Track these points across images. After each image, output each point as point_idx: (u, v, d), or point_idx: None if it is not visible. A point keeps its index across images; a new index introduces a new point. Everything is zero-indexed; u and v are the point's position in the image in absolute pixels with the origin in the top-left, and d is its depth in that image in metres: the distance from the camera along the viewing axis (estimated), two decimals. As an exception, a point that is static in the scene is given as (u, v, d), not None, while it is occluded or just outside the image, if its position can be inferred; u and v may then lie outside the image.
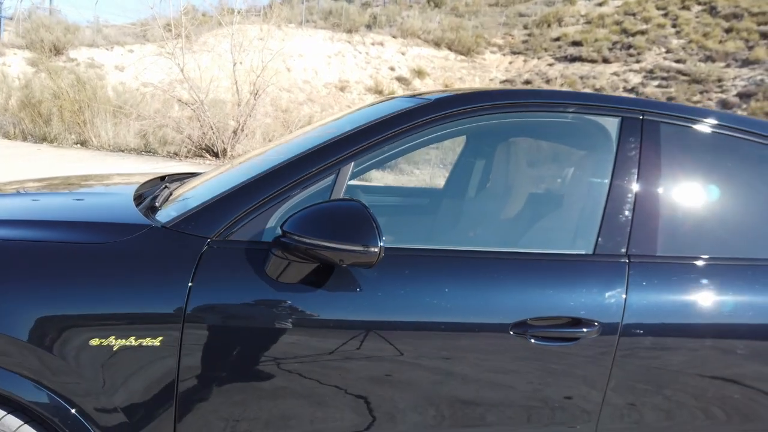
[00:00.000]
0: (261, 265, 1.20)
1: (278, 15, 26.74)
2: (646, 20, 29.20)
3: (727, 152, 1.53)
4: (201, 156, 8.93)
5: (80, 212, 1.46)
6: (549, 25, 31.21)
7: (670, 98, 23.26)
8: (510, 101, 1.47)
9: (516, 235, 1.54)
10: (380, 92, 26.04)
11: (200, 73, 10.00)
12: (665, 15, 29.33)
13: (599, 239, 1.36)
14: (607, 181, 1.42)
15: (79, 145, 9.34)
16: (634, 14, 30.12)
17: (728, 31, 26.51)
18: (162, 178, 1.94)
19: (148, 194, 1.67)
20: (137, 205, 1.51)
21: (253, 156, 1.92)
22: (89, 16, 34.10)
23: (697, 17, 28.60)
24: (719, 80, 23.42)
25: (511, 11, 33.73)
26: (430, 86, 27.74)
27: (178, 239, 1.22)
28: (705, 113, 1.61)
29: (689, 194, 1.49)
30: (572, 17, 31.50)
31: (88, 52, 20.48)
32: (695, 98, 22.87)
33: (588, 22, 30.66)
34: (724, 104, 21.89)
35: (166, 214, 1.37)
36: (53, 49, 19.31)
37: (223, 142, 8.87)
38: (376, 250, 1.12)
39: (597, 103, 1.54)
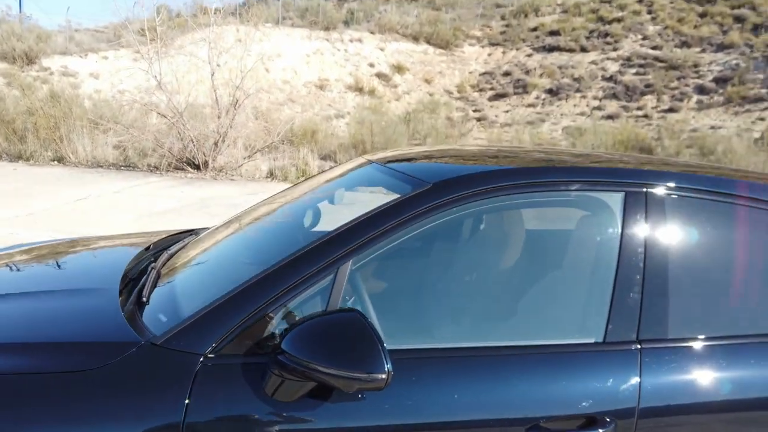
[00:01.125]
0: (259, 382, 1.14)
1: (256, 15, 26.50)
2: (622, 7, 29.36)
3: (738, 223, 1.45)
4: (182, 169, 8.81)
5: (63, 321, 1.37)
6: (526, 15, 31.25)
7: (647, 85, 23.46)
8: (510, 182, 1.39)
9: (522, 326, 1.43)
10: (361, 89, 25.94)
11: (177, 81, 9.86)
12: (640, 1, 29.49)
13: (609, 326, 1.30)
14: (613, 262, 1.35)
15: (56, 161, 9.17)
16: (609, 1, 30.25)
17: (702, 15, 26.75)
18: (147, 248, 1.85)
19: (134, 272, 1.60)
20: (123, 291, 1.45)
21: (242, 224, 1.83)
22: (61, 21, 33.49)
23: (671, 3, 28.81)
24: (695, 66, 23.66)
25: (487, 2, 33.69)
26: (410, 81, 27.69)
27: (170, 358, 1.16)
28: (713, 182, 1.52)
29: (699, 271, 1.42)
30: (549, 6, 31.56)
31: (61, 60, 20.08)
32: (673, 84, 23.10)
33: (565, 11, 30.75)
34: (701, 89, 22.14)
35: (154, 319, 1.31)
36: (25, 58, 18.91)
37: (204, 154, 8.76)
38: (383, 376, 1.06)
39: (598, 178, 1.46)
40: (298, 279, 1.22)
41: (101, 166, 9.06)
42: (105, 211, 5.91)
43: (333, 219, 1.46)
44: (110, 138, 9.46)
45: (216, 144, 8.72)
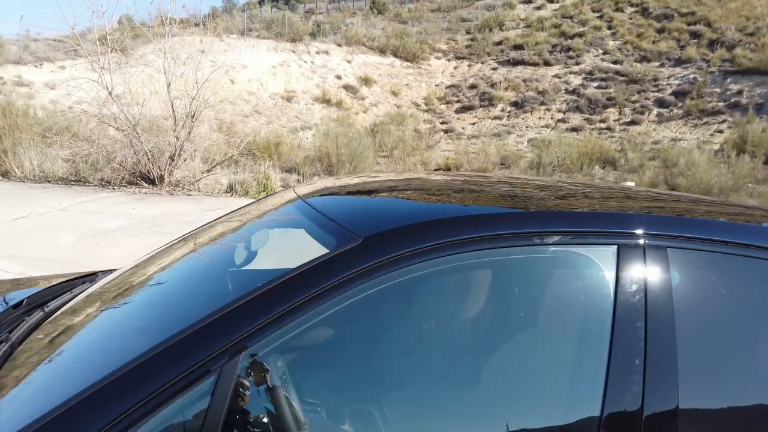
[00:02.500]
0: None
1: (218, 25, 26.07)
2: (583, 23, 30.04)
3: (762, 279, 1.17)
4: (136, 184, 8.40)
5: None
6: (491, 30, 31.72)
7: (609, 98, 23.91)
8: (471, 235, 1.06)
9: (510, 410, 1.11)
10: (328, 101, 25.78)
11: (135, 92, 9.44)
12: (600, 17, 30.24)
13: (606, 403, 1.01)
14: (607, 330, 1.05)
15: (0, 176, 8.66)
16: (571, 17, 30.93)
17: (660, 31, 27.53)
18: (17, 305, 1.44)
19: None
20: None
21: (142, 274, 1.47)
22: (18, 30, 32.47)
23: (630, 19, 29.61)
24: (655, 79, 24.25)
25: (453, 16, 34.08)
26: (377, 93, 27.66)
27: None
28: (730, 229, 1.24)
29: (712, 335, 1.13)
30: (512, 21, 32.09)
31: (14, 69, 19.33)
32: (634, 97, 23.59)
33: (528, 26, 31.30)
34: (661, 102, 22.66)
35: None
36: (-25, 67, 18.12)
37: (159, 168, 8.37)
38: None
39: (584, 228, 1.13)
40: (163, 385, 0.86)
41: (49, 181, 8.58)
42: (45, 231, 5.51)
43: (241, 279, 1.17)
44: (60, 151, 8.99)
45: (172, 157, 8.35)
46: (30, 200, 7.00)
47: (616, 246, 1.10)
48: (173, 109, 8.95)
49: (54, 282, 1.60)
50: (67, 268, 4.24)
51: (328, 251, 1.05)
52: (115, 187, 8.28)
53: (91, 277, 1.64)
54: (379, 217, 1.22)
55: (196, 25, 26.55)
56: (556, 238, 1.09)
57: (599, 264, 1.11)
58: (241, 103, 23.57)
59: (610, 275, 1.08)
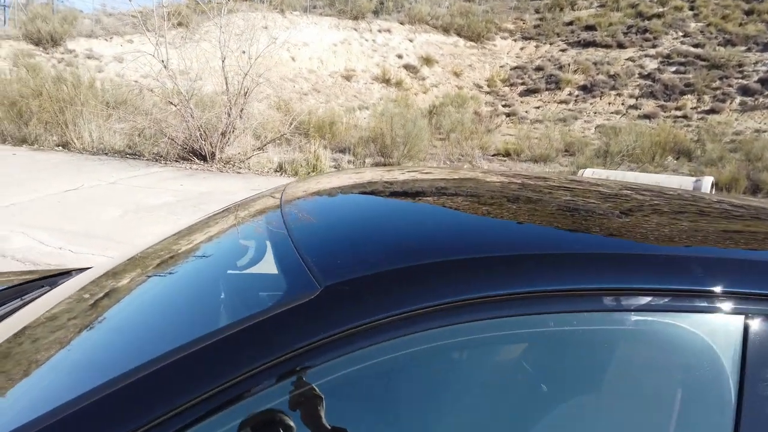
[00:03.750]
0: None
1: (282, 1, 26.12)
2: (663, 3, 28.20)
3: None
4: (188, 159, 8.38)
5: None
6: (561, 9, 30.38)
7: (687, 84, 22.33)
8: (503, 292, 0.67)
9: None
10: (387, 81, 25.45)
11: (193, 67, 9.39)
12: (683, -3, 28.27)
13: None
14: None
15: (60, 147, 8.84)
16: (650, -4, 29.10)
17: (748, 13, 25.50)
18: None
19: None
20: None
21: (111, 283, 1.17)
22: (96, 4, 33.74)
23: (716, -1, 27.54)
24: (740, 65, 22.44)
25: (522, -6, 32.78)
26: (438, 74, 27.06)
27: None
28: None
29: None
30: (585, 0, 30.51)
31: (86, 43, 19.99)
32: (715, 84, 21.93)
33: (602, 5, 29.69)
34: (745, 90, 20.95)
35: None
36: (50, 40, 18.83)
37: (211, 144, 8.30)
38: None
39: (683, 285, 0.69)
40: None
41: (106, 154, 8.70)
42: (92, 205, 5.49)
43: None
44: (118, 124, 9.10)
45: (223, 134, 8.26)
46: (83, 172, 7.07)
47: (744, 315, 0.68)
48: (227, 85, 8.84)
49: (19, 279, 1.34)
50: (101, 244, 4.15)
51: (269, 305, 0.68)
52: (168, 162, 8.29)
53: (61, 277, 1.39)
54: (362, 250, 0.81)
55: (262, 1, 26.70)
56: (643, 301, 0.65)
57: (713, 346, 0.68)
58: (300, 81, 23.55)
59: (731, 364, 0.66)
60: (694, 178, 8.37)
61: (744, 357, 0.66)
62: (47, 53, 18.42)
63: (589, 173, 9.57)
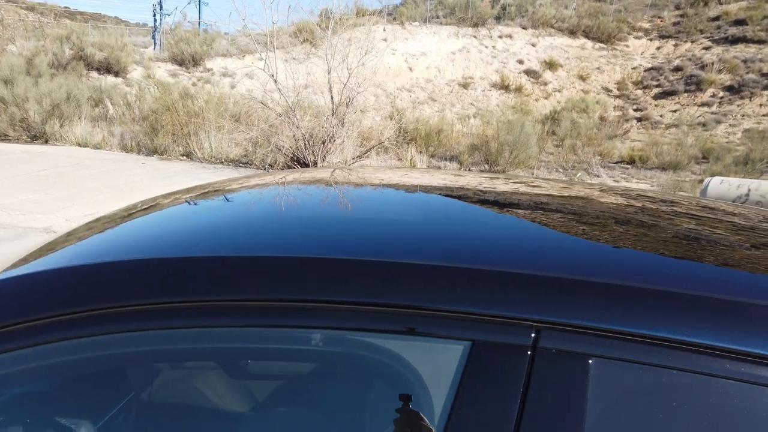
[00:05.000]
0: None
1: (402, 14, 26.64)
2: (834, -12, 24.69)
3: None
4: (293, 168, 8.77)
5: None
6: (706, 4, 27.74)
7: None
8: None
9: None
10: (506, 87, 24.89)
11: (314, 81, 9.77)
12: None
13: None
14: None
15: (185, 157, 9.68)
16: (817, -19, 25.56)
17: None
18: None
19: None
20: None
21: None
22: (236, 26, 36.88)
23: None
24: None
25: (660, -10, 30.42)
26: (562, 78, 25.95)
27: None
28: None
29: None
30: (735, -8, 27.62)
31: (222, 61, 21.84)
32: None
33: (755, -3, 26.66)
34: None
35: None
36: (191, 60, 20.84)
37: (313, 153, 8.62)
38: None
39: (385, 301, 0.58)
40: None
41: (222, 163, 9.36)
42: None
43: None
44: (238, 135, 9.77)
45: (323, 142, 8.53)
46: (198, 179, 7.67)
47: (469, 342, 0.55)
48: (331, 96, 9.14)
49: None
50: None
51: None
52: (275, 170, 8.73)
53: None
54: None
55: (389, 14, 27.43)
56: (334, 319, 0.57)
57: (419, 372, 0.58)
58: (417, 90, 23.77)
59: (440, 396, 0.55)
60: None
61: (466, 370, 0.55)
62: (189, 72, 20.40)
63: (717, 182, 8.55)
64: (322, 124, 8.80)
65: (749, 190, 9.37)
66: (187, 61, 20.67)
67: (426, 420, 0.52)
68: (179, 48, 20.48)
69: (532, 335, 0.51)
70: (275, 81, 8.86)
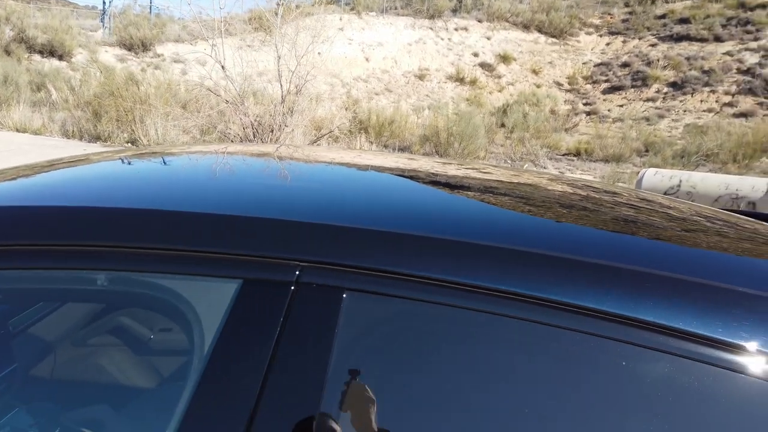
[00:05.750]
0: None
1: (359, 3, 26.48)
2: (771, -9, 25.86)
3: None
4: (240, 155, 8.71)
5: None
6: (653, 2, 28.63)
7: (793, 80, 20.31)
8: None
9: None
10: (461, 80, 25.15)
11: (267, 69, 9.64)
12: (794, -16, 25.74)
13: None
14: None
15: (130, 143, 9.46)
16: (755, -15, 26.75)
17: None
18: None
19: None
20: None
21: None
22: (189, 11, 35.85)
23: (833, -16, 24.83)
24: None
25: (610, -12, 31.24)
26: (516, 72, 26.38)
27: None
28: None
29: None
30: (681, -9, 28.62)
31: (173, 47, 21.30)
32: (826, 79, 19.81)
33: (699, -4, 27.70)
34: None
35: None
36: (141, 45, 20.25)
37: (261, 140, 8.57)
38: None
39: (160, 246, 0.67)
40: None
41: (168, 150, 9.21)
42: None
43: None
44: (182, 122, 9.60)
45: (272, 130, 8.50)
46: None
47: (240, 280, 0.65)
48: (281, 84, 9.09)
49: None
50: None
51: None
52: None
53: None
54: None
55: (347, 3, 27.26)
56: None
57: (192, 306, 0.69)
58: (373, 80, 23.79)
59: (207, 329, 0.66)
60: (767, 180, 7.59)
61: (236, 305, 0.63)
62: (138, 57, 19.82)
63: (651, 173, 8.96)
64: (271, 112, 8.76)
65: (680, 181, 9.77)
66: (136, 45, 20.08)
67: (200, 348, 0.61)
68: (128, 32, 19.87)
69: (296, 272, 0.59)
70: (223, 68, 8.75)
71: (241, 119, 8.53)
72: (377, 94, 22.76)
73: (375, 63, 24.83)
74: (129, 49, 19.96)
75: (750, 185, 8.70)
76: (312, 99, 10.55)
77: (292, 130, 8.80)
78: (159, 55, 20.49)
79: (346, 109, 18.33)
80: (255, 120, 8.55)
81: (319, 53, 9.76)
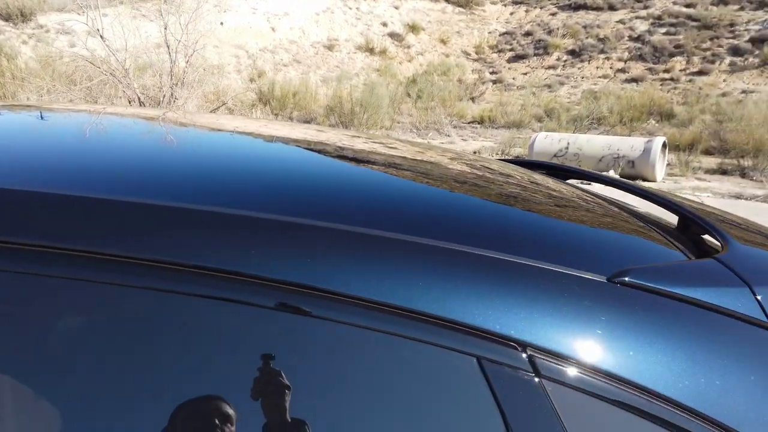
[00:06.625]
0: None
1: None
2: (658, -38, 27.42)
3: None
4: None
5: None
6: (553, -29, 29.61)
7: (677, 46, 21.76)
8: None
9: None
10: (371, 50, 24.99)
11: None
12: (678, -45, 27.42)
13: None
14: None
15: (2, 121, 8.69)
16: (644, -44, 28.25)
17: (746, -30, 24.72)
18: None
19: None
20: None
21: None
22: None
23: (712, -44, 26.69)
24: (731, 24, 21.81)
25: (513, -42, 31.93)
26: (424, 42, 26.54)
27: None
28: None
29: None
30: (579, -39, 29.74)
31: (58, 17, 19.63)
32: (705, 45, 21.37)
33: (595, -34, 28.91)
34: (735, 50, 20.39)
35: None
36: (20, 15, 18.50)
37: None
38: None
39: None
40: None
41: (48, 127, 8.53)
42: None
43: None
44: (59, 96, 8.90)
45: (159, 103, 8.07)
46: None
47: None
48: (169, 54, 8.62)
49: None
50: None
51: None
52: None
53: None
54: None
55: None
56: None
57: None
58: (281, 51, 23.12)
59: None
60: (645, 139, 8.11)
61: None
62: (17, 29, 18.12)
63: (542, 137, 9.33)
64: (160, 85, 8.30)
65: (568, 143, 10.23)
66: (14, 15, 18.32)
67: None
68: (3, 0, 18.07)
69: None
70: (102, 37, 8.17)
71: (124, 92, 8.02)
72: (285, 66, 22.18)
73: (282, 33, 24.12)
74: (6, 20, 18.20)
75: (629, 145, 9.23)
76: (212, 71, 10.12)
77: (184, 102, 8.38)
78: (41, 26, 18.84)
79: (251, 81, 17.74)
80: (141, 93, 8.06)
81: (221, 23, 9.35)
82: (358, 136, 1.26)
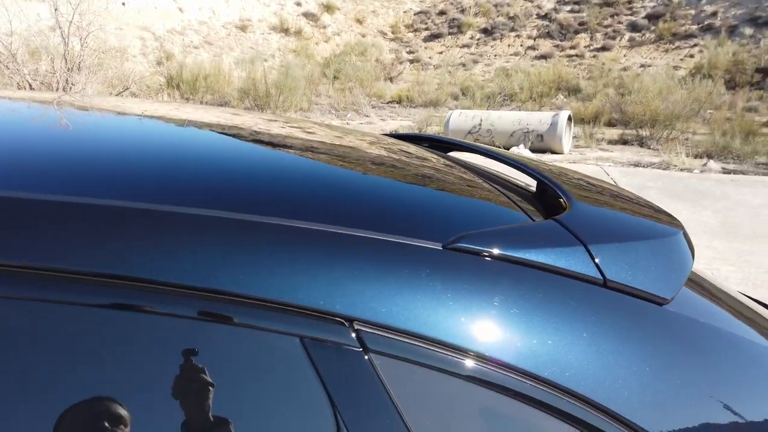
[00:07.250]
0: None
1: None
2: (561, -59, 28.38)
3: None
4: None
5: None
6: (464, -50, 30.02)
7: (581, 23, 22.75)
8: None
9: None
10: (286, 31, 24.43)
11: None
12: (579, -65, 28.49)
13: None
14: None
15: None
16: (549, -65, 29.14)
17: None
18: None
19: None
20: None
21: None
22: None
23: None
24: (629, 2, 23.04)
25: (424, -64, 32.04)
26: (340, 22, 26.26)
27: None
28: None
29: None
30: (487, -60, 30.27)
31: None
32: (606, 22, 22.48)
33: (503, -55, 29.55)
34: (634, 27, 21.60)
35: None
36: None
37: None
38: None
39: None
40: None
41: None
42: None
43: None
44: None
45: (56, 89, 7.51)
46: None
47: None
48: (62, 36, 8.01)
49: None
50: None
51: None
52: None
53: None
54: None
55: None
56: None
57: None
58: (190, 33, 22.12)
59: None
60: (552, 113, 8.47)
61: None
62: None
63: (457, 114, 9.53)
64: (54, 69, 7.70)
65: (481, 120, 10.45)
66: None
67: None
68: None
69: None
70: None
71: (11, 78, 7.39)
72: (196, 48, 21.26)
73: (190, 14, 23.05)
74: None
75: (538, 120, 9.56)
76: (113, 54, 9.53)
77: (82, 88, 7.84)
78: None
79: (158, 64, 16.86)
80: (33, 79, 7.46)
81: (123, 3, 8.77)
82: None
